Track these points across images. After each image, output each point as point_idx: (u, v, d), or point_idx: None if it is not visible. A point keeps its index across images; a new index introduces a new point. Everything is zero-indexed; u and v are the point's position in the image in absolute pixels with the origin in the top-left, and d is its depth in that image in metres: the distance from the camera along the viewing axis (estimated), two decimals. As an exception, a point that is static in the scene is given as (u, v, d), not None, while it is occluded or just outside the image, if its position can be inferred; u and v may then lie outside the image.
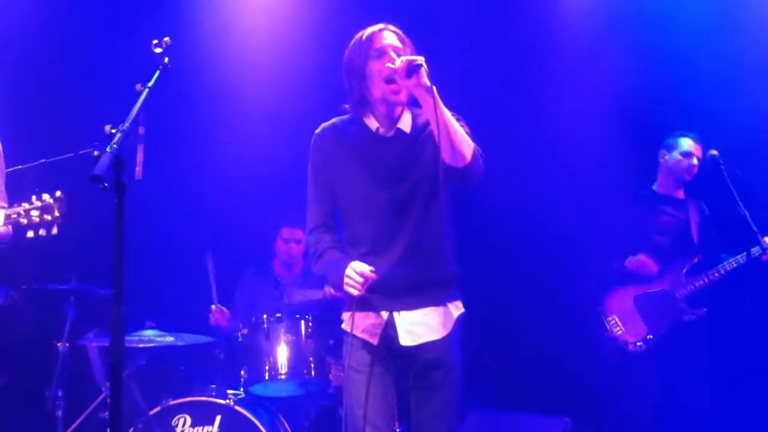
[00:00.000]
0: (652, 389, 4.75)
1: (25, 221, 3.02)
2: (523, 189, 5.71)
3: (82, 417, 4.72)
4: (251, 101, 5.74)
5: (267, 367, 4.52)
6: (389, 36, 3.17)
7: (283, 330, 4.58)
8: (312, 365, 4.52)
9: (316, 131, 3.31)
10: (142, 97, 2.73)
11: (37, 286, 4.82)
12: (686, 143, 4.97)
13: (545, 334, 5.57)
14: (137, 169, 2.75)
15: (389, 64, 3.06)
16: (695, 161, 4.94)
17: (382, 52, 3.12)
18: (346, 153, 3.21)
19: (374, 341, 3.16)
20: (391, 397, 3.18)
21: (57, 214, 3.02)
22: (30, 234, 3.02)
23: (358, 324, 3.18)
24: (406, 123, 3.22)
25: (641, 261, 4.81)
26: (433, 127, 3.03)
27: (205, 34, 5.75)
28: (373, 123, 3.21)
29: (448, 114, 3.04)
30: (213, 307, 5.10)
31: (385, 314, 3.15)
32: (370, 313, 3.17)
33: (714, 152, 4.79)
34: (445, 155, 3.04)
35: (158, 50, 2.90)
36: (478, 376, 5.19)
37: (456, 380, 3.16)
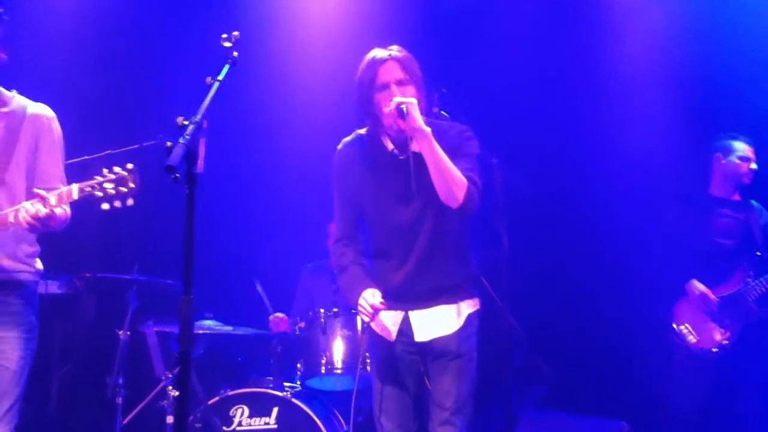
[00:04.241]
0: (715, 394, 4.68)
1: (100, 194, 3.00)
2: (580, 192, 5.66)
3: (142, 405, 4.81)
4: (311, 97, 5.77)
5: (323, 361, 4.56)
6: (392, 67, 3.29)
7: (339, 325, 4.62)
8: (367, 360, 4.51)
9: (338, 147, 3.50)
10: (212, 91, 2.76)
11: (99, 276, 4.91)
12: (743, 147, 4.87)
13: (603, 337, 5.50)
14: (199, 162, 2.77)
15: (386, 109, 3.22)
16: (754, 165, 4.86)
17: (384, 86, 3.28)
18: (364, 171, 3.40)
19: (390, 338, 3.38)
20: (409, 390, 3.39)
21: (132, 185, 3.00)
22: (105, 206, 2.99)
23: (377, 323, 3.39)
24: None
25: (702, 294, 4.73)
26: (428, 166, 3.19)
27: (272, 28, 5.81)
28: (389, 144, 3.37)
29: (441, 154, 3.19)
30: (271, 317, 5.14)
31: (401, 313, 3.38)
32: (388, 313, 3.37)
33: None
34: (440, 195, 3.22)
35: (227, 44, 2.92)
36: (532, 378, 5.17)
37: (464, 365, 3.32)
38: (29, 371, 3.34)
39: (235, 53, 2.91)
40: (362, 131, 3.46)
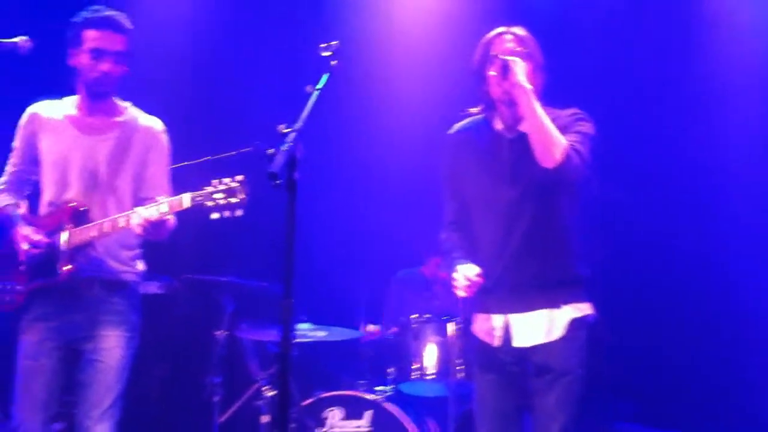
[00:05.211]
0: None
1: (210, 203, 3.10)
2: (677, 198, 5.52)
3: (238, 404, 4.92)
4: (410, 102, 5.81)
5: (415, 367, 4.58)
6: (507, 40, 3.24)
7: (431, 331, 4.62)
8: (460, 367, 4.51)
9: (449, 131, 3.43)
10: (312, 99, 2.81)
11: (198, 278, 5.03)
12: None
13: (702, 350, 5.33)
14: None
15: (491, 72, 3.17)
16: None
17: (496, 58, 3.20)
18: (471, 153, 3.31)
19: (494, 343, 3.23)
20: (509, 401, 3.22)
21: (241, 196, 3.09)
22: (215, 216, 3.10)
23: (480, 327, 3.29)
24: None
25: None
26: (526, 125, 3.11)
27: (369, 31, 5.88)
28: (498, 124, 3.29)
29: (540, 112, 3.09)
30: (363, 329, 5.20)
31: (502, 317, 3.22)
32: (490, 315, 3.24)
33: None
34: (536, 155, 3.08)
35: (327, 53, 2.96)
36: (624, 392, 5.07)
37: (569, 384, 3.13)
38: (130, 369, 3.47)
39: (334, 62, 2.95)
40: (475, 111, 3.39)
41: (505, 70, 3.10)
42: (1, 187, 3.62)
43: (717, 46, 5.59)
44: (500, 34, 3.26)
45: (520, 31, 3.28)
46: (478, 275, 3.08)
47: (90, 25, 3.44)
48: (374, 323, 5.25)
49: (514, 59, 3.12)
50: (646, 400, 5.14)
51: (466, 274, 3.09)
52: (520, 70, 3.10)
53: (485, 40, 3.28)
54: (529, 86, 3.09)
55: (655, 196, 5.53)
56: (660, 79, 5.61)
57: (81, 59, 3.46)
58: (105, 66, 3.43)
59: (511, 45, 3.22)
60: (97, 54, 3.43)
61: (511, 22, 3.35)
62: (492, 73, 3.17)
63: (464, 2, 5.87)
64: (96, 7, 3.50)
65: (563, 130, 3.16)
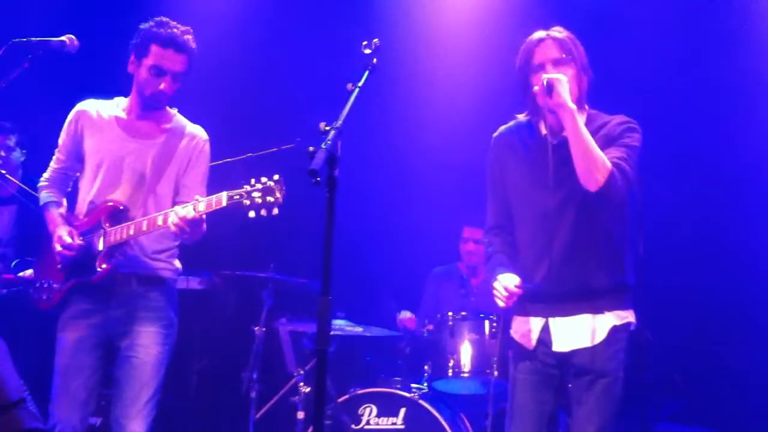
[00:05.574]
0: None
1: (247, 202, 3.13)
2: (718, 198, 5.45)
3: (274, 400, 4.96)
4: (445, 101, 5.79)
5: (450, 364, 4.60)
6: (548, 46, 3.19)
7: (467, 328, 4.63)
8: (495, 365, 4.52)
9: (494, 134, 3.41)
10: (352, 97, 2.82)
11: (237, 273, 5.08)
12: None
13: (747, 349, 5.23)
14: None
15: (536, 87, 3.12)
16: None
17: (540, 67, 3.17)
18: (516, 157, 3.29)
19: (530, 346, 3.21)
20: (545, 404, 3.19)
21: (278, 195, 3.12)
22: (251, 214, 3.12)
23: (517, 329, 3.27)
24: None
25: None
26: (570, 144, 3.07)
27: (409, 30, 5.86)
28: (543, 129, 3.24)
29: (583, 133, 3.05)
30: (399, 317, 5.23)
31: (541, 320, 3.20)
32: (528, 318, 3.23)
33: None
34: (579, 177, 3.06)
35: (367, 51, 2.98)
36: (667, 391, 5.01)
37: (607, 386, 3.11)
38: (167, 365, 3.48)
39: (375, 60, 2.96)
40: (521, 116, 3.36)
41: (549, 89, 3.06)
42: (44, 183, 3.67)
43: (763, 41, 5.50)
44: (541, 40, 3.20)
45: (560, 33, 3.22)
46: (518, 286, 3.08)
47: (156, 40, 3.45)
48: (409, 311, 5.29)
49: (559, 78, 3.07)
50: (689, 399, 5.08)
51: (506, 285, 3.09)
52: (564, 90, 3.05)
53: (526, 46, 3.23)
54: (573, 106, 3.05)
55: (699, 196, 5.46)
56: (701, 77, 5.53)
57: (141, 71, 3.49)
58: (162, 85, 3.47)
59: (552, 52, 3.17)
60: (158, 72, 3.46)
61: (553, 19, 3.32)
62: (536, 88, 3.13)
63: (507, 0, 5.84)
64: (164, 18, 3.51)
65: (610, 140, 3.13)
